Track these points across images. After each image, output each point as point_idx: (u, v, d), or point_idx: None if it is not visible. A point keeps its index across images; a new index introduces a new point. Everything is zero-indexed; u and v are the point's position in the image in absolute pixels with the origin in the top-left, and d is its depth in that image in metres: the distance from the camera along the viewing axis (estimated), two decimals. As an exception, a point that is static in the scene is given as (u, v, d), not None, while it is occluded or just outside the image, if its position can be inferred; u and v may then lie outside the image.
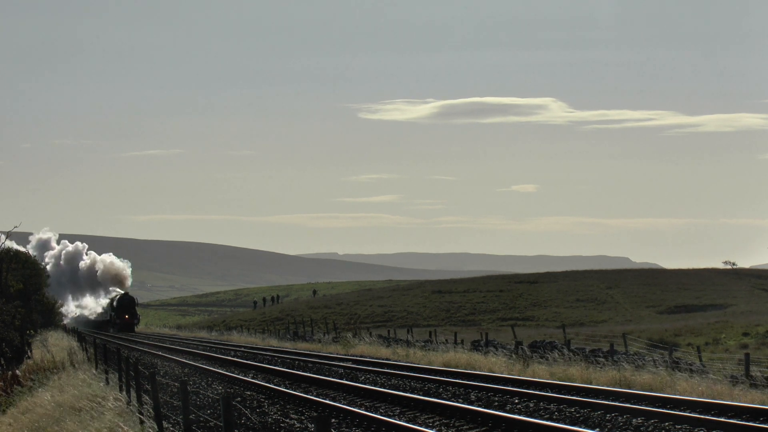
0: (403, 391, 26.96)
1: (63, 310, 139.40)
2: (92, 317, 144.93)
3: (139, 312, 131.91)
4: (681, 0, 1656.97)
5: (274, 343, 70.35)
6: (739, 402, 23.45)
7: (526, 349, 42.24)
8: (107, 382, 30.71)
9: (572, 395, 24.97)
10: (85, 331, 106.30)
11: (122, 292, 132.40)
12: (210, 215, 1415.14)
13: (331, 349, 55.45)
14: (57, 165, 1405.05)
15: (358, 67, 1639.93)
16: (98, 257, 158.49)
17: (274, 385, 29.78)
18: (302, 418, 22.39)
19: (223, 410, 15.16)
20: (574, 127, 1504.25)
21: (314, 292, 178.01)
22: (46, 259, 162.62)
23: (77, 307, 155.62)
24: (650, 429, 19.72)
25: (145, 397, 22.06)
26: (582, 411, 22.20)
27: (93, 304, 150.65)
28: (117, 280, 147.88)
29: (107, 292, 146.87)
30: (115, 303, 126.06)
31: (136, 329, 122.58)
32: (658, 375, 28.94)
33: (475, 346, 47.93)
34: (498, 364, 36.26)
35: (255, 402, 25.89)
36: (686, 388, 26.62)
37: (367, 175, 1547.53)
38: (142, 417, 21.38)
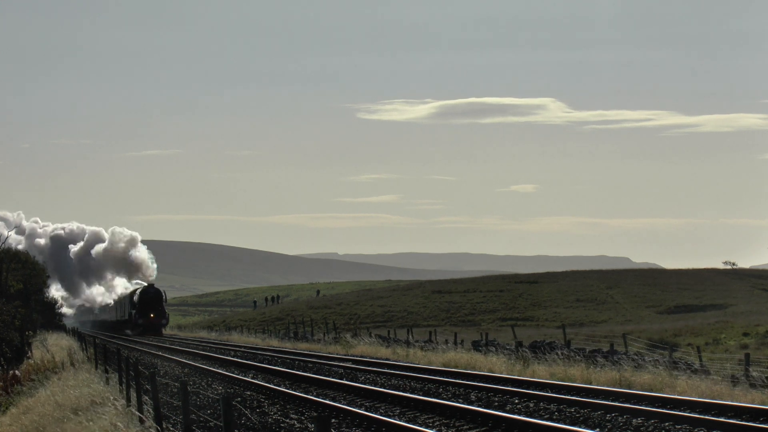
0: (403, 391, 26.97)
1: (64, 310, 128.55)
2: (103, 316, 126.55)
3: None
4: (679, 0, 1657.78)
5: (274, 343, 70.40)
6: (739, 402, 23.48)
7: (527, 349, 42.24)
8: (107, 383, 30.69)
9: (572, 395, 24.99)
10: (94, 333, 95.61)
11: (145, 284, 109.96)
12: (210, 215, 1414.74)
13: (331, 350, 55.50)
14: (57, 165, 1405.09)
15: (357, 67, 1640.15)
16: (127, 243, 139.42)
17: (274, 385, 29.79)
18: (302, 418, 22.40)
19: (223, 410, 15.16)
20: (573, 127, 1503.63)
21: (318, 291, 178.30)
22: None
23: (85, 300, 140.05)
24: (650, 429, 19.73)
25: (146, 398, 22.06)
26: (582, 411, 22.22)
27: (102, 297, 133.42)
28: (140, 269, 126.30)
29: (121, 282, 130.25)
30: (136, 298, 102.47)
31: (163, 331, 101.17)
32: (658, 375, 28.95)
33: (475, 346, 47.92)
34: (498, 364, 36.29)
35: (255, 402, 25.90)
36: (686, 389, 26.65)
37: (367, 175, 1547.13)
38: (142, 417, 21.38)
